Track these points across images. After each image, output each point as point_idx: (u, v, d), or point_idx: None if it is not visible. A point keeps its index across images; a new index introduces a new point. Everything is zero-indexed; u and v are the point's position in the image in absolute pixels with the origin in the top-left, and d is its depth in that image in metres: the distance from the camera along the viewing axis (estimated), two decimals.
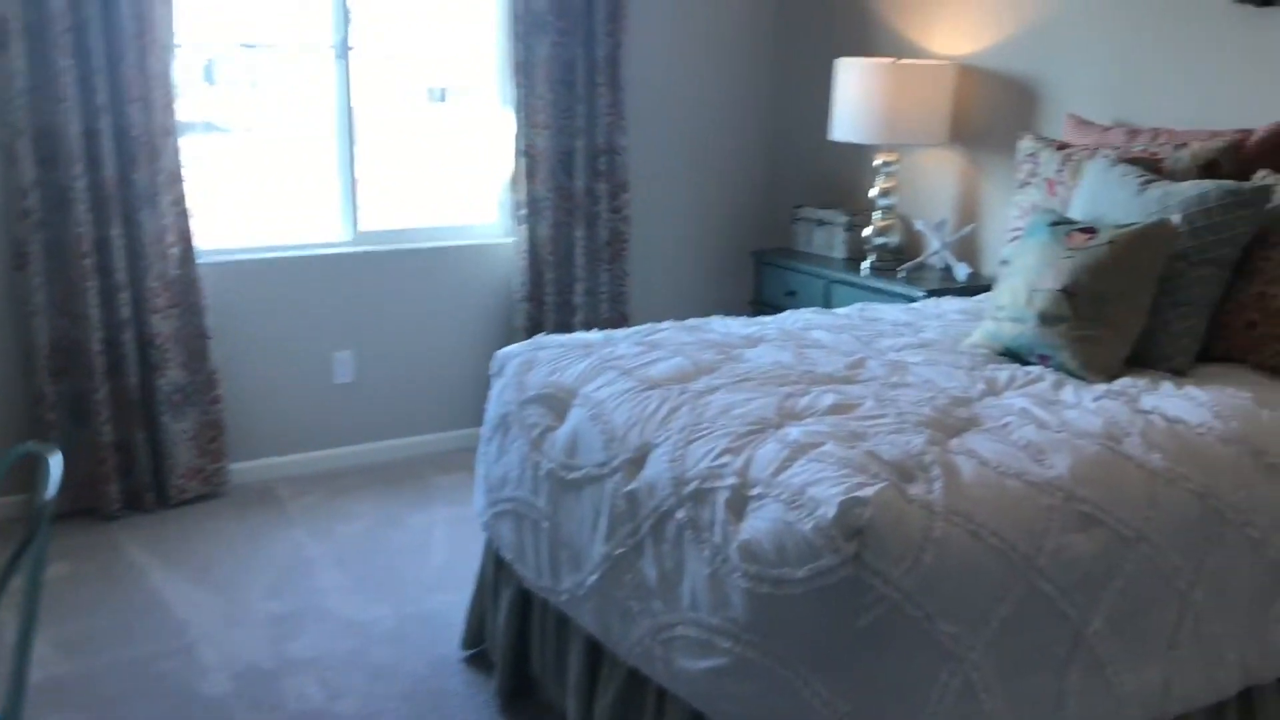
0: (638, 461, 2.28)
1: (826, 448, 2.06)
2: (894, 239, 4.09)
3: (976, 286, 3.78)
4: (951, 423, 2.24)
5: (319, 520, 3.73)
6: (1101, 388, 2.48)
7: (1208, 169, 2.93)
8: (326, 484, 4.04)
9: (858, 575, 1.80)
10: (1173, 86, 3.34)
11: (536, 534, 2.55)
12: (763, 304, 4.42)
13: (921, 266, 4.00)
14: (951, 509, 1.88)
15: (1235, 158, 2.95)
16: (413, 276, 4.22)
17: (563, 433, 2.50)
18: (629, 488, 2.26)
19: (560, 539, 2.47)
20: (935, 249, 3.96)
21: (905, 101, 3.88)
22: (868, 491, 1.86)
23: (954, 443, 2.13)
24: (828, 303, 4.10)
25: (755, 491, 2.00)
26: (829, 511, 1.84)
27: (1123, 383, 2.51)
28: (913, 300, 3.72)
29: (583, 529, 2.40)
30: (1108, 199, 2.90)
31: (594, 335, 2.86)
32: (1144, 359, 2.65)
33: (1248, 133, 3.01)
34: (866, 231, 4.12)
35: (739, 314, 4.62)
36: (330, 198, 4.13)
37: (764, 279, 4.43)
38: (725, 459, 2.11)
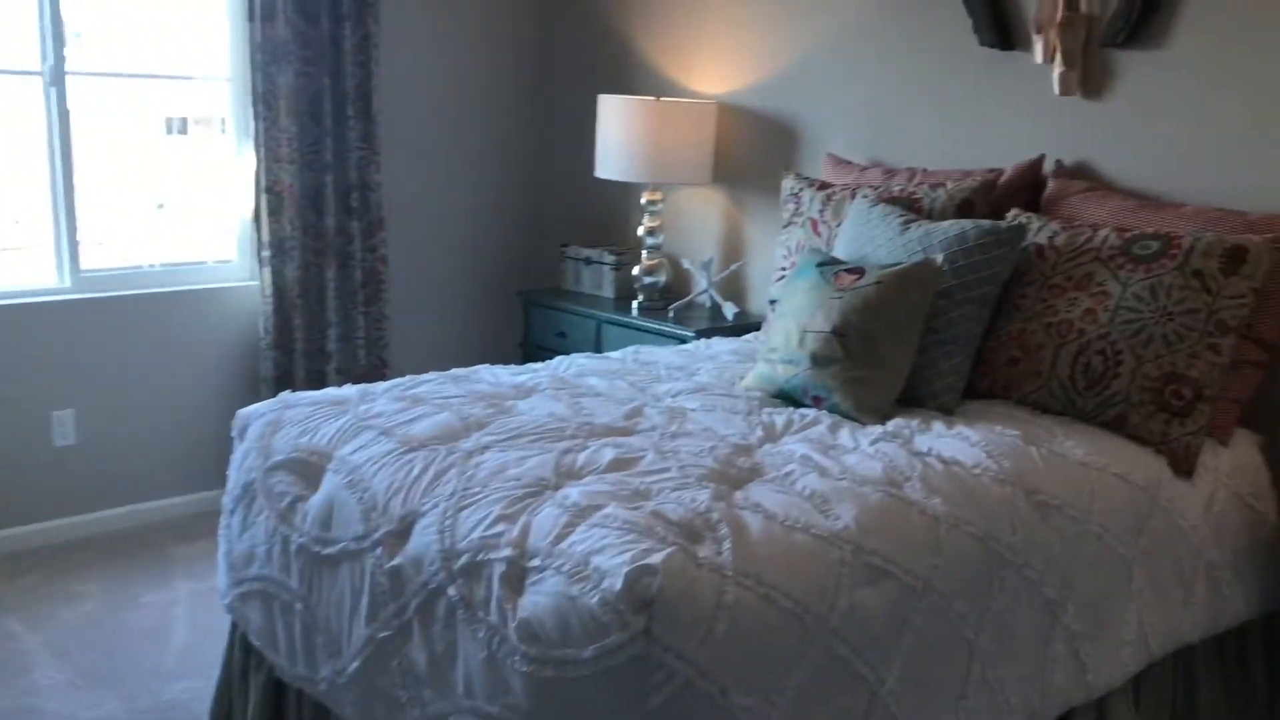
0: (401, 533, 2.07)
1: (609, 510, 1.92)
2: (662, 278, 4.03)
3: (745, 325, 3.76)
4: (735, 474, 2.15)
5: (37, 604, 3.30)
6: (877, 429, 2.45)
7: (964, 208, 2.99)
8: (46, 561, 3.58)
9: (648, 651, 1.66)
10: (925, 128, 3.42)
11: (289, 617, 2.29)
12: (533, 346, 4.27)
13: (690, 305, 3.95)
14: (742, 571, 1.77)
15: (988, 197, 3.03)
16: (142, 324, 3.83)
17: (315, 502, 2.26)
18: (392, 563, 2.05)
19: (316, 622, 2.22)
20: (703, 288, 3.92)
21: (668, 139, 3.83)
22: (656, 558, 1.73)
23: (739, 496, 2.03)
24: (599, 344, 3.99)
25: (534, 563, 1.84)
26: (615, 583, 1.70)
27: (896, 423, 2.49)
28: (684, 341, 3.66)
29: (341, 610, 2.16)
30: (870, 238, 2.91)
31: (348, 390, 2.63)
32: (912, 397, 2.65)
33: (998, 172, 3.10)
34: (635, 270, 4.04)
35: (507, 357, 4.49)
36: (44, 238, 3.70)
37: (533, 321, 4.28)
38: (500, 528, 1.94)
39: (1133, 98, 2.98)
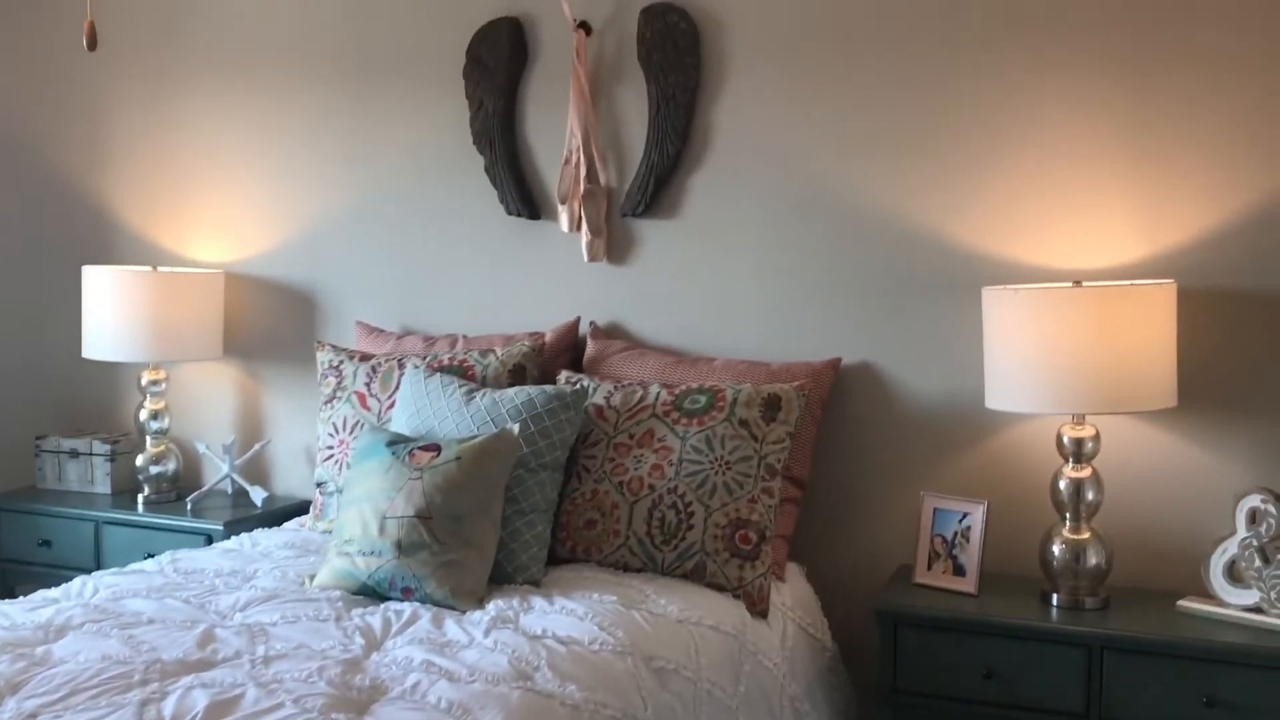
0: None
1: None
2: (171, 465, 3.59)
3: (277, 511, 3.45)
4: (356, 697, 1.92)
5: None
6: (481, 616, 2.33)
7: (516, 374, 3.00)
8: None
9: None
10: (459, 293, 3.41)
11: None
12: (6, 562, 3.59)
13: (210, 494, 3.55)
14: None
15: (538, 361, 3.06)
16: None
17: None
18: None
19: None
20: (225, 473, 3.55)
21: (171, 313, 3.47)
22: None
23: None
24: (99, 550, 3.45)
25: None
26: None
27: (497, 605, 2.38)
28: (210, 536, 3.27)
29: None
30: (434, 411, 2.81)
31: None
32: (499, 573, 2.56)
33: (541, 335, 3.15)
34: (139, 460, 3.57)
35: None
36: None
37: (4, 530, 3.60)
38: None
39: (653, 262, 3.19)
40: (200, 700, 1.85)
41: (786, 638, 2.65)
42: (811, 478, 2.95)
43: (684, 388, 2.83)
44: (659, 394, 2.83)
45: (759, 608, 2.60)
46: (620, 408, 2.82)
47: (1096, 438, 2.56)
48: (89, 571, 2.78)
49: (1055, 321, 2.45)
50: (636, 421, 2.79)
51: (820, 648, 2.78)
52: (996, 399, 2.59)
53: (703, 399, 2.78)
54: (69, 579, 2.61)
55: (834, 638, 2.85)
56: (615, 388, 2.88)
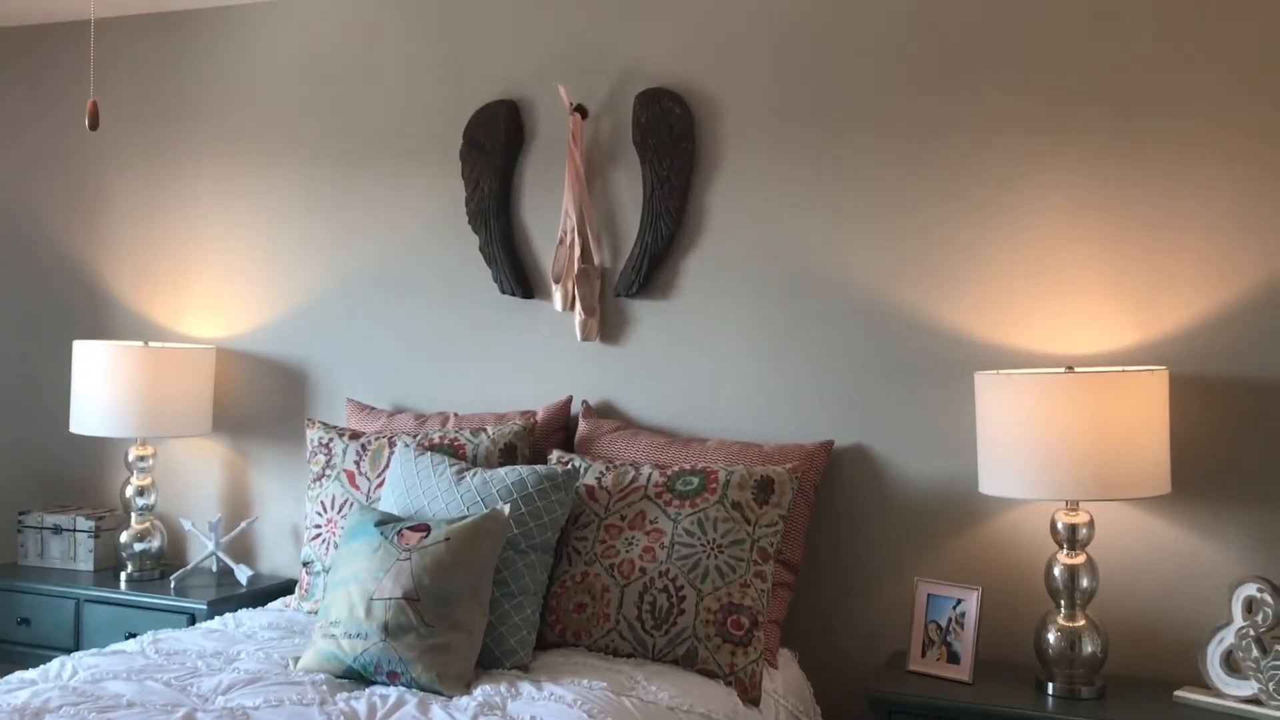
0: None
1: None
2: (156, 543, 3.55)
3: (262, 590, 3.40)
4: None
5: None
6: (468, 703, 2.28)
7: (507, 453, 2.99)
8: None
9: None
10: (450, 371, 3.40)
11: None
12: None
13: (194, 572, 3.50)
14: None
15: (529, 440, 3.05)
16: None
17: None
18: None
19: None
20: (210, 551, 3.50)
21: (161, 389, 3.46)
22: None
23: None
24: (79, 629, 3.38)
25: None
26: None
27: (484, 691, 2.34)
28: (193, 615, 3.22)
29: None
30: (423, 490, 2.79)
31: None
32: (487, 656, 2.52)
33: (532, 414, 3.14)
34: (123, 537, 3.52)
35: None
36: None
37: None
38: None
39: (647, 342, 3.20)
40: None
41: None
42: (804, 561, 2.93)
43: (676, 469, 2.82)
44: (651, 475, 2.81)
45: (751, 695, 2.56)
46: (612, 488, 2.80)
47: (1090, 524, 2.55)
48: (68, 651, 2.74)
49: (1047, 407, 2.45)
50: (628, 503, 2.77)
51: None
52: (990, 484, 2.58)
53: (695, 480, 2.76)
54: (48, 658, 2.57)
55: None
56: (607, 468, 2.87)
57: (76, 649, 3.33)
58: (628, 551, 2.68)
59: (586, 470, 2.86)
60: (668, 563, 2.64)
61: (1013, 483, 2.53)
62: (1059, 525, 2.56)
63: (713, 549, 2.65)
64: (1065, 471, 2.43)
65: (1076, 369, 2.54)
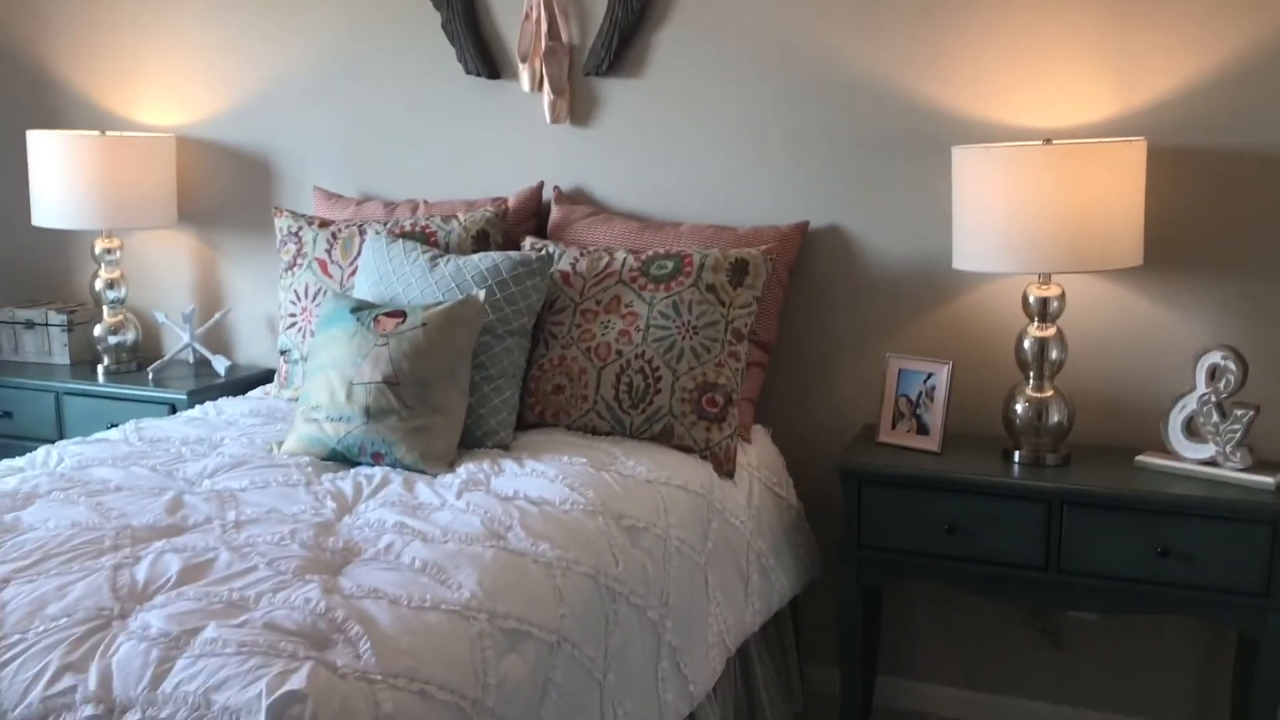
0: None
1: (209, 632, 1.62)
2: (130, 335, 3.54)
3: (241, 380, 3.42)
4: (330, 559, 1.93)
5: None
6: (453, 479, 2.34)
7: (480, 240, 2.96)
8: None
9: None
10: (419, 157, 3.33)
11: None
12: None
13: (171, 363, 3.51)
14: (390, 671, 1.58)
15: (501, 226, 3.02)
16: None
17: None
18: None
19: None
20: (185, 342, 3.51)
21: (122, 179, 3.38)
22: (297, 680, 1.49)
23: (345, 583, 1.82)
24: (61, 420, 3.42)
25: (132, 717, 1.50)
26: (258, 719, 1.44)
27: (467, 469, 2.40)
28: (174, 405, 3.25)
29: None
30: (398, 277, 2.77)
31: None
32: (469, 437, 2.57)
33: (503, 200, 3.10)
34: (97, 330, 3.51)
35: None
36: None
37: None
38: (66, 680, 1.57)
39: (618, 123, 3.12)
40: (173, 564, 1.85)
41: (753, 496, 2.69)
42: (778, 341, 2.96)
43: (650, 253, 2.81)
44: (625, 260, 2.80)
45: (726, 468, 2.63)
46: (586, 274, 2.79)
47: (1062, 297, 2.58)
48: (52, 442, 2.77)
49: (1024, 180, 2.44)
50: (603, 288, 2.77)
51: (785, 506, 2.83)
52: (964, 259, 2.59)
53: (670, 264, 2.75)
54: (32, 449, 2.59)
55: (799, 497, 2.89)
56: (581, 254, 2.85)
57: (60, 440, 3.36)
58: (604, 335, 2.70)
59: (560, 256, 2.85)
60: (643, 345, 2.66)
61: (986, 257, 2.54)
62: (1030, 299, 2.58)
63: (688, 331, 2.67)
64: (1039, 244, 2.44)
65: (1055, 141, 2.51)
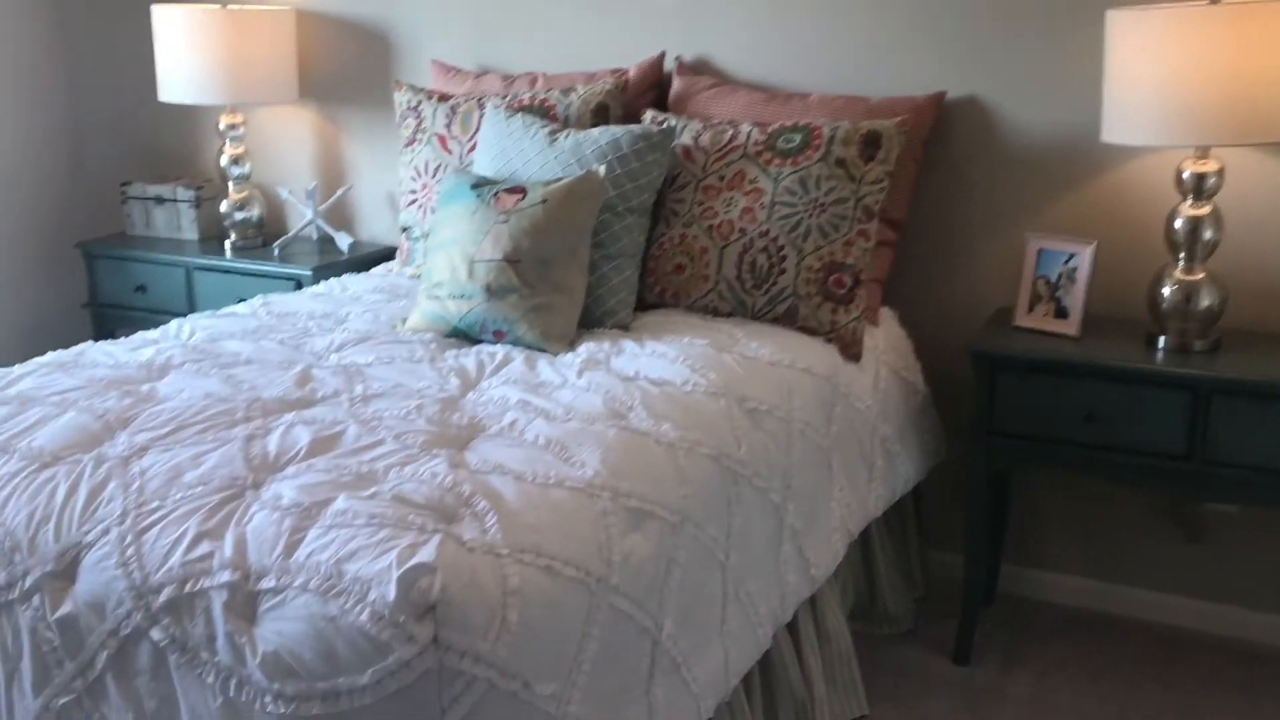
0: (65, 573, 1.67)
1: (340, 504, 1.64)
2: (256, 212, 3.58)
3: (364, 257, 3.45)
4: (456, 434, 1.93)
5: None
6: (573, 359, 2.32)
7: (599, 113, 2.88)
8: None
9: (441, 662, 1.44)
10: (536, 28, 3.25)
11: None
12: (103, 307, 3.67)
13: (296, 240, 3.55)
14: (517, 546, 1.58)
15: (621, 99, 2.93)
16: None
17: None
18: (61, 613, 1.64)
19: None
20: (308, 219, 3.53)
21: (243, 54, 3.37)
22: (427, 552, 1.49)
23: (471, 458, 1.82)
24: (192, 295, 3.49)
25: (267, 584, 1.53)
26: (388, 591, 1.45)
27: (587, 349, 2.37)
28: (299, 281, 3.29)
29: None
30: (517, 152, 2.72)
31: None
32: (588, 317, 2.54)
33: (623, 72, 3.01)
34: (223, 206, 3.56)
35: (73, 323, 3.84)
36: None
37: (100, 276, 3.67)
38: (204, 547, 1.60)
39: None
40: (303, 436, 1.88)
41: (879, 381, 2.62)
42: (909, 219, 2.84)
43: (777, 126, 2.70)
44: (750, 133, 2.70)
45: (851, 351, 2.56)
46: (709, 148, 2.70)
47: (1220, 173, 2.41)
48: (184, 315, 2.82)
49: (1186, 44, 2.25)
50: (726, 163, 2.68)
51: (912, 390, 2.75)
52: (1114, 132, 2.42)
53: (797, 138, 2.65)
54: (164, 322, 2.65)
55: (926, 381, 2.81)
56: (704, 127, 2.76)
57: (191, 313, 3.44)
58: (726, 212, 2.62)
59: (683, 129, 2.76)
60: (768, 223, 2.58)
61: (1139, 129, 2.37)
62: (1185, 175, 2.42)
63: (815, 208, 2.57)
64: (1199, 114, 2.26)
65: (1222, 0, 2.31)
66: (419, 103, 3.09)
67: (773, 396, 2.26)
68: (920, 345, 2.83)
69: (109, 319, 3.68)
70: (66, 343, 2.55)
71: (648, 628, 1.74)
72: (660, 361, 2.27)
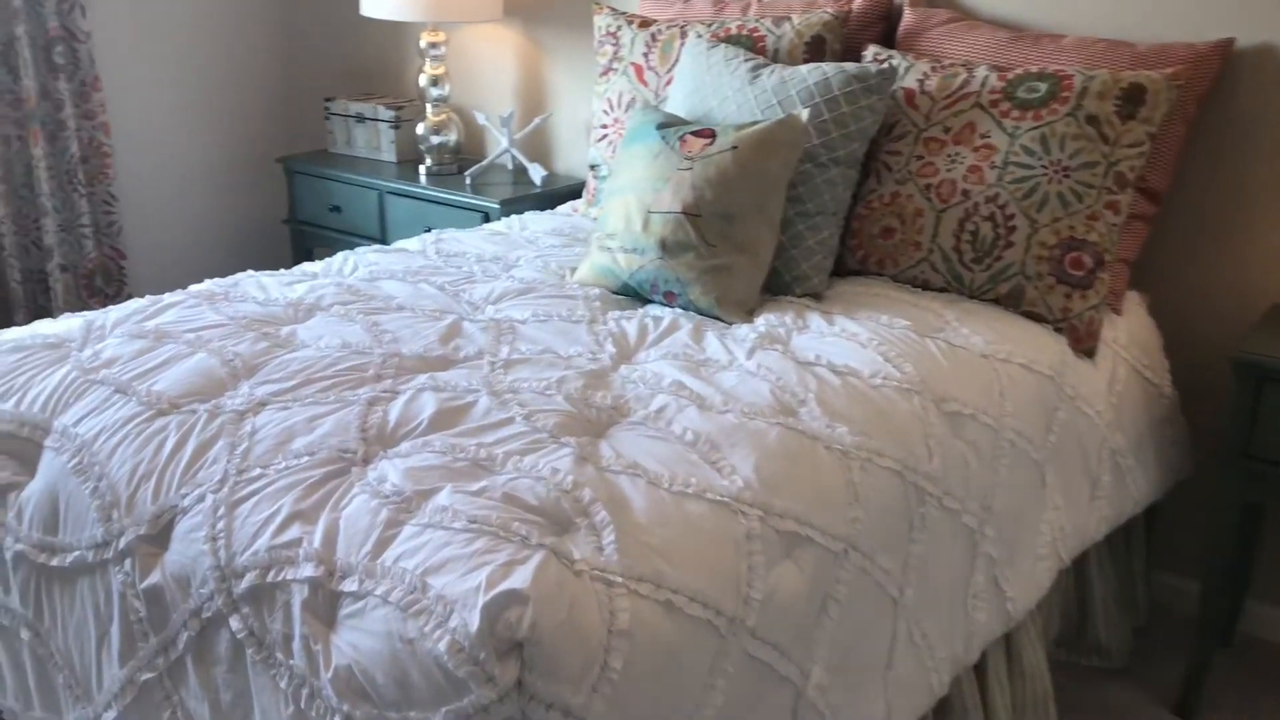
0: (158, 538, 1.54)
1: (443, 498, 1.43)
2: (453, 136, 3.43)
3: (555, 191, 3.24)
4: (594, 417, 1.70)
5: None
6: (748, 332, 2.03)
7: (814, 47, 2.54)
8: None
9: (525, 713, 1.22)
10: None
11: (13, 646, 1.73)
12: (300, 224, 3.62)
13: (490, 168, 3.38)
14: (633, 572, 1.34)
15: (841, 32, 2.58)
16: None
17: (34, 493, 1.69)
18: (148, 582, 1.52)
19: (52, 655, 1.68)
20: (504, 147, 3.35)
21: None
22: (522, 575, 1.27)
23: (605, 450, 1.58)
24: (383, 220, 3.39)
25: (349, 585, 1.35)
26: (471, 619, 1.24)
27: (767, 320, 2.08)
28: (487, 214, 3.11)
29: (85, 641, 1.62)
30: (714, 89, 2.42)
31: (68, 325, 2.00)
32: (775, 281, 2.24)
33: (848, 1, 2.64)
34: (420, 128, 3.43)
35: (272, 238, 3.83)
36: None
37: (298, 193, 3.62)
38: (293, 531, 1.43)
39: None
40: (428, 406, 1.68)
41: (1115, 381, 2.21)
42: (1171, 191, 2.38)
43: (1020, 72, 2.29)
44: (987, 79, 2.30)
45: (1085, 345, 2.16)
46: (936, 94, 2.33)
47: None
48: (376, 239, 2.70)
49: None
50: (955, 112, 2.30)
51: (1156, 394, 2.33)
52: None
53: (1042, 87, 2.24)
54: (357, 246, 2.57)
55: (1175, 384, 2.37)
56: (933, 69, 2.38)
57: (381, 238, 3.35)
58: (949, 170, 2.25)
59: (907, 71, 2.39)
60: (998, 186, 2.20)
61: None
62: None
63: (1056, 172, 2.17)
64: None
65: None
66: (618, 27, 2.82)
67: (980, 397, 1.92)
68: (1171, 340, 2.40)
69: (307, 237, 3.63)
70: (268, 258, 2.48)
71: (789, 676, 1.47)
72: (849, 345, 1.96)
